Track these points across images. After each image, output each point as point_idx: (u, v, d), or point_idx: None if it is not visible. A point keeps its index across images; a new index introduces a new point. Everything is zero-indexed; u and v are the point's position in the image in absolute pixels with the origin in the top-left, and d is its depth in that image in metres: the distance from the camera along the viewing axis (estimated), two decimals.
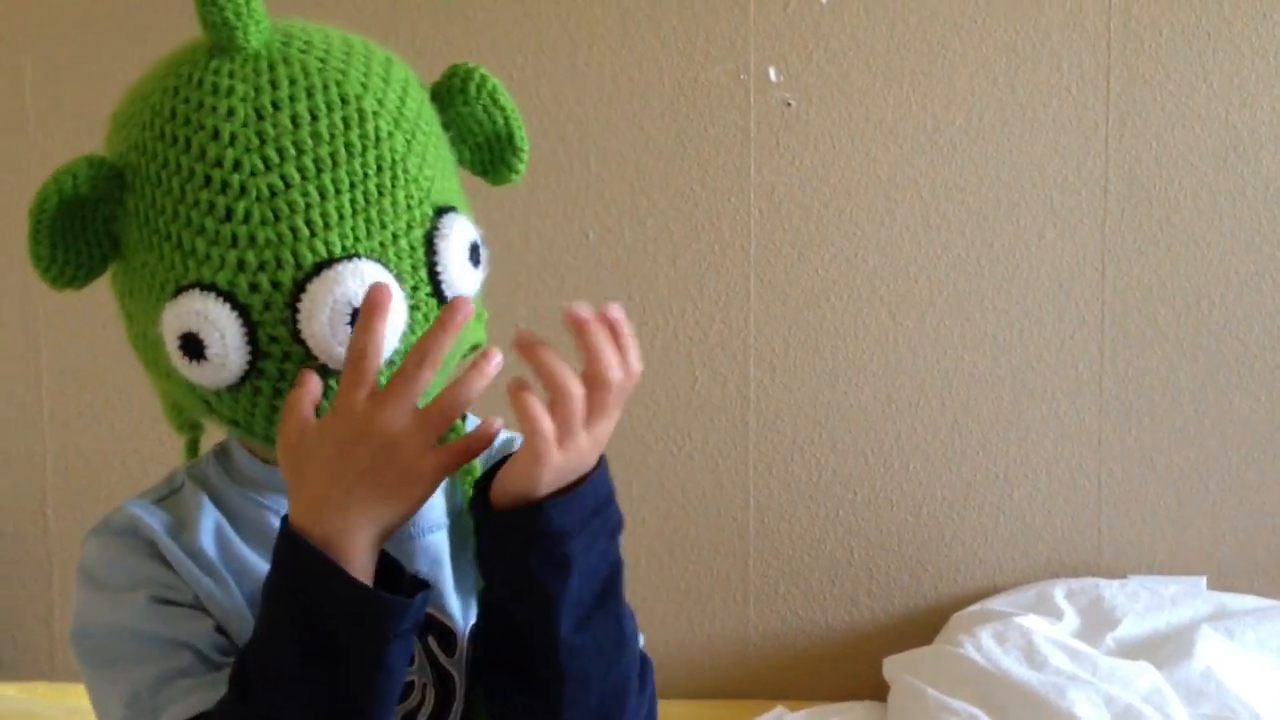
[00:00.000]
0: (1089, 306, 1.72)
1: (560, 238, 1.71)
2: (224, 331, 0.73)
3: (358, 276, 0.73)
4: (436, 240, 0.76)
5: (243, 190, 0.73)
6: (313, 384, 0.74)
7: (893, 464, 1.74)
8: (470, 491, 0.80)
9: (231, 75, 0.76)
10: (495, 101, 0.82)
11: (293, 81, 0.75)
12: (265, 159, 0.73)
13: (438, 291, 0.76)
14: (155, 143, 0.76)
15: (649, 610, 1.62)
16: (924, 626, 1.71)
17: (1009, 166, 1.70)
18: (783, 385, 1.73)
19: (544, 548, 0.73)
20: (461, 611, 0.84)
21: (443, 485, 0.80)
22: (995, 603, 1.66)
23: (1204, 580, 1.73)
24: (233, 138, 0.74)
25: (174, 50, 0.82)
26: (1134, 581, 1.69)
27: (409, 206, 0.76)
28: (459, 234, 0.77)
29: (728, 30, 1.69)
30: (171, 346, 0.75)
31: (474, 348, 0.83)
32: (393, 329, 0.73)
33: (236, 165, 0.73)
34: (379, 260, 0.74)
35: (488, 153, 0.85)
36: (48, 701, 1.52)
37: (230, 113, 0.74)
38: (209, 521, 0.82)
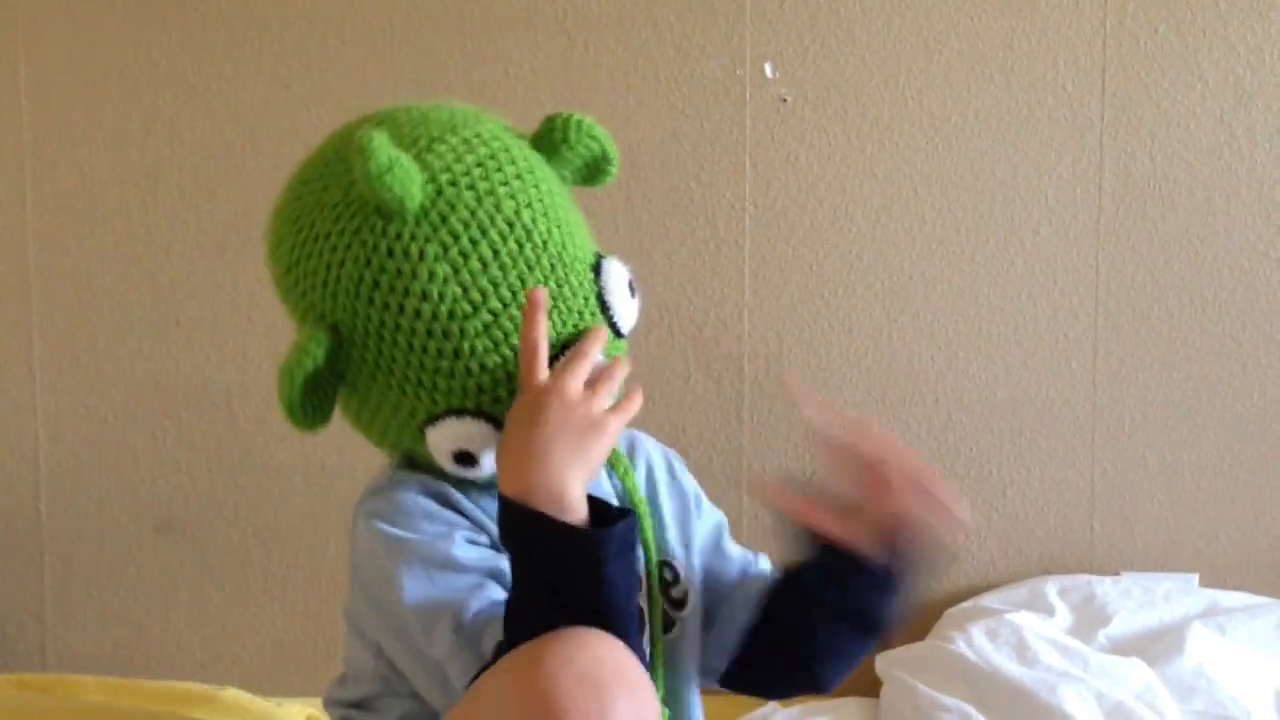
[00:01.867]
0: (1083, 303, 1.72)
1: None
2: (485, 440, 0.90)
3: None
4: (606, 296, 0.94)
5: (463, 333, 0.89)
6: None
7: None
8: (626, 477, 0.99)
9: (414, 239, 0.89)
10: (593, 137, 0.97)
11: (466, 226, 0.89)
12: (472, 303, 0.89)
13: (616, 332, 0.94)
14: (368, 309, 0.90)
15: None
16: (917, 623, 1.71)
17: (1004, 163, 1.70)
18: (777, 383, 1.73)
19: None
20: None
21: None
22: (988, 599, 1.67)
23: (1196, 577, 1.73)
24: (440, 295, 0.89)
25: (320, 189, 0.93)
26: (1126, 578, 1.69)
27: (579, 283, 0.92)
28: (617, 279, 0.95)
29: (723, 26, 1.69)
30: (445, 460, 0.92)
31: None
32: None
33: (451, 314, 0.89)
34: (575, 329, 0.91)
35: (586, 171, 1.00)
36: (40, 694, 1.52)
37: (431, 275, 0.88)
38: (466, 500, 0.95)
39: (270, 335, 1.74)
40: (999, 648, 1.50)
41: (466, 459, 0.91)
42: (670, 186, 1.71)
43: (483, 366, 0.89)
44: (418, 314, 0.89)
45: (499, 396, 0.90)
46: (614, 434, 0.89)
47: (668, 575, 1.04)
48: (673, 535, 1.07)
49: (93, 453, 1.77)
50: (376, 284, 0.89)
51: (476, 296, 0.89)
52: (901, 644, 1.62)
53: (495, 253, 0.90)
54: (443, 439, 0.91)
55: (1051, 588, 1.66)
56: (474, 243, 0.89)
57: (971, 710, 1.40)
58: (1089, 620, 1.60)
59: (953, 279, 1.72)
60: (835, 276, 1.72)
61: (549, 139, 0.96)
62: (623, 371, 0.92)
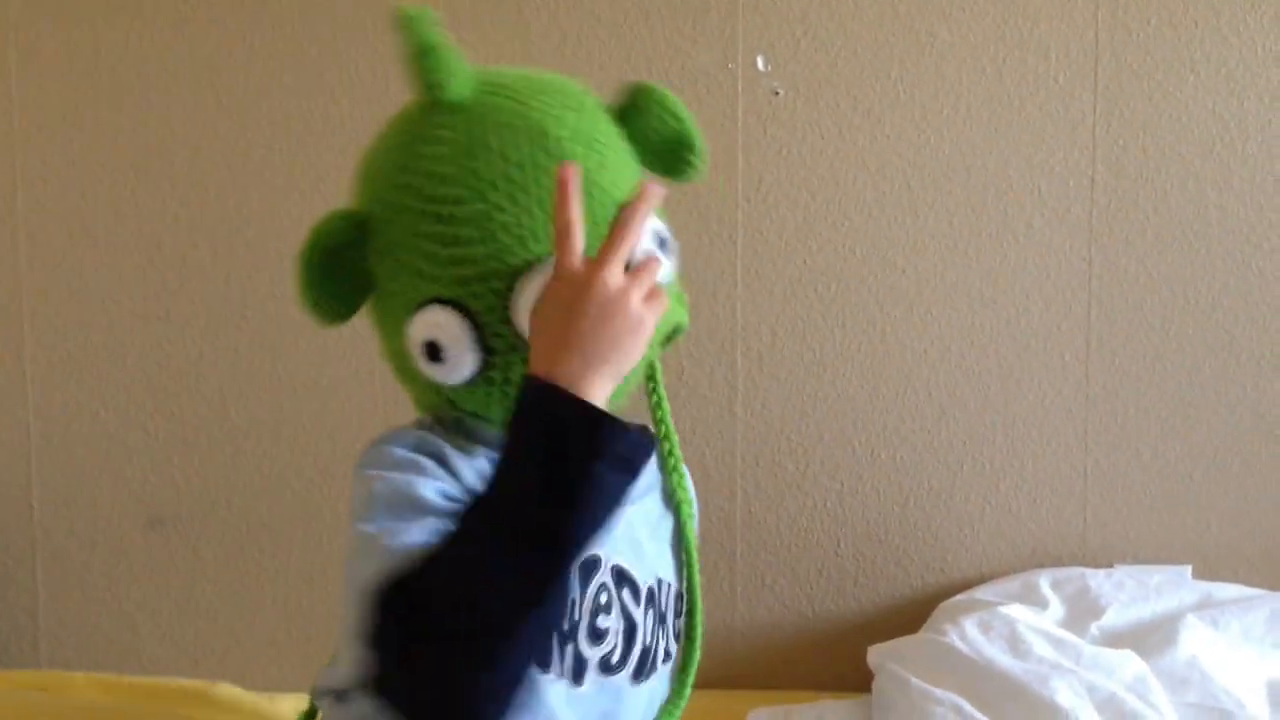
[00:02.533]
0: (1076, 296, 1.72)
1: None
2: (457, 335, 0.88)
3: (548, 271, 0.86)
4: None
5: (454, 219, 0.87)
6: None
7: (880, 454, 1.74)
8: (677, 480, 1.01)
9: (443, 125, 0.89)
10: (667, 108, 0.96)
11: (498, 125, 0.88)
12: (471, 189, 0.87)
13: None
14: (390, 192, 0.90)
15: None
16: (911, 616, 1.72)
17: (996, 156, 1.70)
18: (770, 376, 1.73)
19: None
20: (646, 570, 0.98)
21: (653, 464, 0.98)
22: (981, 592, 1.67)
23: (1189, 569, 1.73)
24: (444, 177, 0.88)
25: (404, 110, 0.95)
26: (1119, 571, 1.69)
27: (604, 216, 0.89)
28: (645, 228, 0.89)
29: (715, 19, 1.69)
30: (417, 353, 0.89)
31: (675, 329, 0.97)
32: None
33: (456, 200, 0.88)
34: None
35: (668, 155, 0.98)
36: (33, 691, 1.52)
37: (442, 157, 0.88)
38: (461, 459, 0.92)
39: (263, 330, 1.73)
40: (992, 640, 1.50)
41: (434, 352, 0.89)
42: (661, 180, 1.70)
43: (468, 258, 0.87)
44: (421, 192, 0.88)
45: (477, 292, 0.88)
46: (651, 331, 0.86)
47: (678, 606, 1.03)
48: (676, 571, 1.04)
49: (85, 449, 1.76)
50: (403, 166, 0.90)
51: (479, 185, 0.88)
52: (894, 637, 1.62)
53: (515, 149, 0.88)
54: (417, 328, 0.89)
55: (1044, 580, 1.66)
56: (499, 138, 0.88)
57: (964, 703, 1.40)
58: (1082, 612, 1.60)
59: (945, 272, 1.71)
60: (828, 269, 1.72)
61: (625, 104, 0.96)
62: (660, 264, 0.89)
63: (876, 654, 1.57)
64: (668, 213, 1.70)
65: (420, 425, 0.95)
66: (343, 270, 0.92)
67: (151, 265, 1.74)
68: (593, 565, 0.95)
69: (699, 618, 1.02)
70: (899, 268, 1.71)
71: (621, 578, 0.97)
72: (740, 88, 1.70)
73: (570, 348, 0.84)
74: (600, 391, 0.84)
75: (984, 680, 1.43)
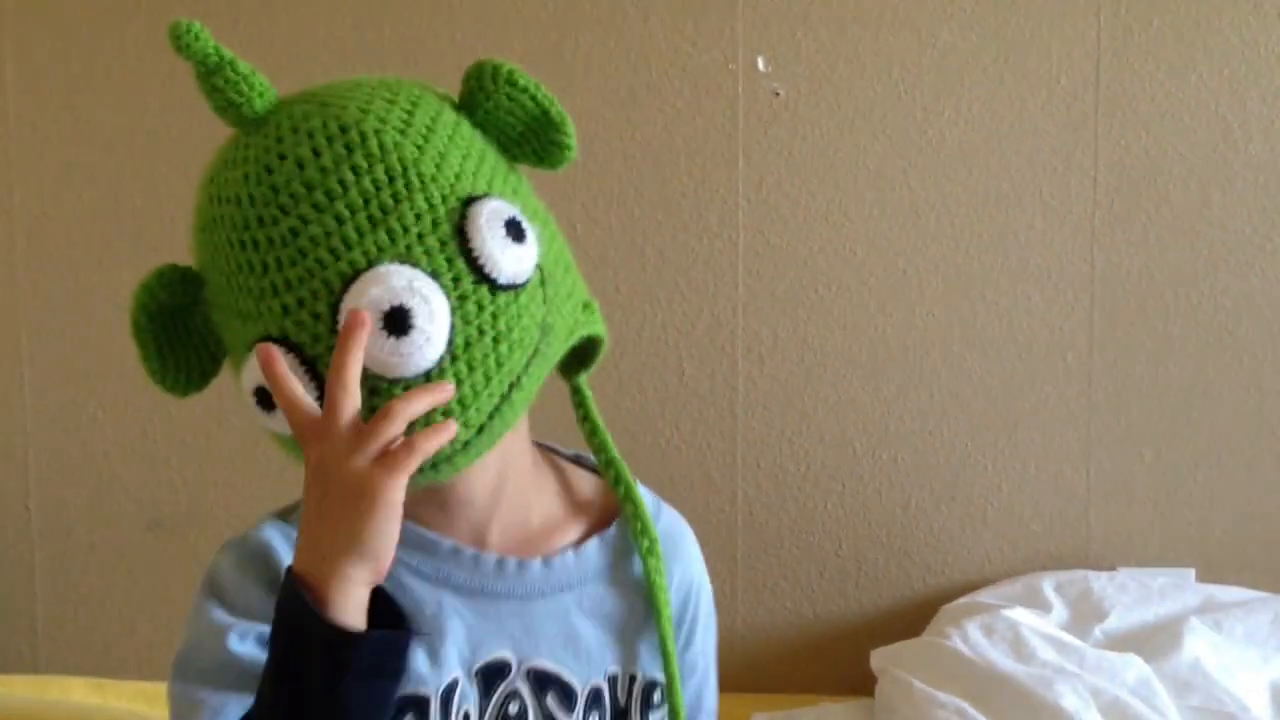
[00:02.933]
0: (1078, 297, 1.71)
1: None
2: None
3: (378, 281, 0.75)
4: (466, 229, 0.77)
5: (270, 242, 0.76)
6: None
7: (881, 456, 1.73)
8: (647, 553, 0.88)
9: (247, 146, 0.79)
10: (514, 84, 0.81)
11: (295, 130, 0.77)
12: (281, 206, 0.76)
13: (484, 278, 0.77)
14: (203, 234, 0.80)
15: None
16: (912, 619, 1.71)
17: (998, 157, 1.69)
18: (771, 377, 1.72)
19: None
20: (587, 669, 0.87)
21: (592, 551, 0.88)
22: (984, 595, 1.66)
23: (1192, 572, 1.72)
24: (251, 199, 0.77)
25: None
26: (1122, 573, 1.68)
27: (430, 206, 0.77)
28: (488, 216, 0.78)
29: (716, 19, 1.68)
30: (251, 405, 0.78)
31: (591, 341, 0.88)
32: (435, 324, 0.75)
33: (260, 221, 0.76)
34: (404, 262, 0.75)
35: (534, 140, 0.84)
36: (30, 695, 1.51)
37: (245, 178, 0.77)
38: None
39: None
40: (995, 644, 1.49)
41: (265, 399, 0.76)
42: (663, 181, 1.70)
43: (287, 283, 0.75)
44: (232, 223, 0.77)
45: (301, 320, 0.75)
46: (386, 495, 0.71)
47: (655, 697, 0.91)
48: (683, 668, 0.93)
49: (82, 451, 1.76)
50: (210, 199, 0.79)
51: (287, 200, 0.76)
52: (896, 639, 1.61)
53: (316, 154, 0.76)
54: (247, 375, 0.77)
55: (1047, 583, 1.65)
56: (296, 145, 0.77)
57: (967, 707, 1.39)
58: (1085, 616, 1.60)
59: (947, 272, 1.71)
60: (829, 270, 1.71)
61: (464, 91, 0.82)
62: (408, 406, 0.73)
63: (879, 657, 1.57)
64: (667, 211, 1.70)
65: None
66: (188, 332, 0.82)
67: (149, 266, 1.73)
68: (497, 672, 0.86)
69: (682, 715, 0.89)
70: (900, 269, 1.71)
71: (544, 682, 0.86)
72: (741, 88, 1.69)
73: (309, 540, 0.73)
74: (346, 586, 0.72)
75: (987, 684, 1.42)
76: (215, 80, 0.79)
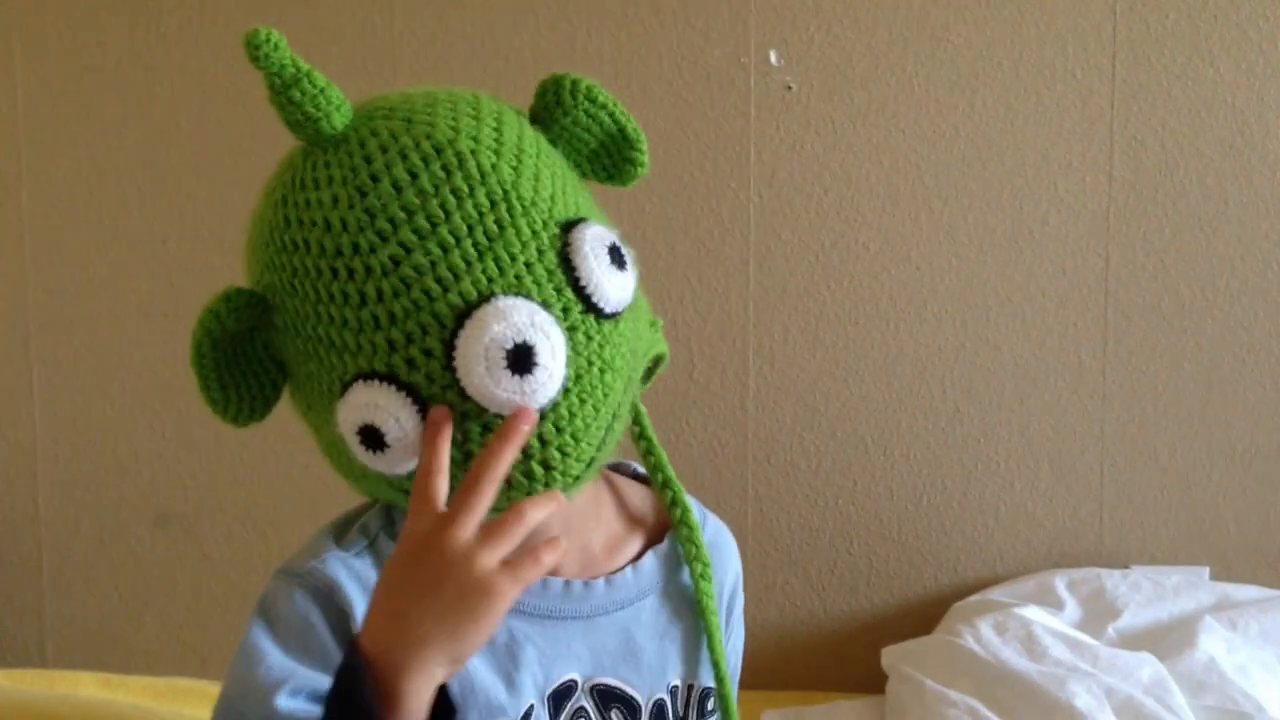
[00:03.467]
0: (1092, 294, 1.70)
1: None
2: (398, 415, 0.72)
3: (499, 316, 0.72)
4: (572, 257, 0.75)
5: (368, 271, 0.72)
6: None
7: (893, 453, 1.72)
8: (700, 577, 0.86)
9: (328, 165, 0.75)
10: (594, 100, 0.80)
11: (384, 150, 0.74)
12: (380, 233, 0.72)
13: (591, 307, 0.75)
14: (279, 255, 0.75)
15: None
16: (924, 617, 1.70)
17: (1012, 152, 1.68)
18: (782, 373, 1.71)
19: None
20: (650, 682, 0.87)
21: (648, 565, 0.87)
22: (996, 593, 1.65)
23: (1207, 570, 1.71)
24: (344, 223, 0.73)
25: (278, 165, 0.81)
26: (1136, 572, 1.67)
27: (534, 232, 0.74)
28: (593, 243, 0.76)
29: (728, 13, 1.67)
30: (353, 444, 0.74)
31: (658, 359, 0.86)
32: (556, 359, 0.73)
33: (355, 248, 0.72)
34: (517, 293, 0.73)
35: (606, 156, 0.84)
36: (38, 690, 1.50)
37: (335, 200, 0.73)
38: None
39: None
40: (1007, 642, 1.48)
41: (373, 438, 0.73)
42: (674, 175, 1.69)
43: (391, 316, 0.72)
44: (321, 249, 0.73)
45: (412, 358, 0.72)
46: (504, 601, 0.69)
47: (709, 705, 0.92)
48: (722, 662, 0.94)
49: (91, 447, 1.75)
50: (287, 221, 0.75)
51: (385, 225, 0.72)
52: (907, 637, 1.60)
53: (413, 176, 0.73)
54: (349, 413, 0.73)
55: (1060, 581, 1.64)
56: (389, 166, 0.73)
57: (979, 705, 1.38)
58: (1098, 614, 1.59)
59: (960, 269, 1.69)
60: (841, 266, 1.70)
61: (540, 103, 0.80)
62: (538, 513, 0.71)
63: (890, 655, 1.56)
64: (679, 206, 1.69)
65: (381, 520, 0.84)
66: (248, 358, 0.78)
67: (158, 261, 1.73)
68: (565, 693, 0.85)
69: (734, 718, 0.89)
70: (913, 264, 1.70)
71: (608, 698, 0.86)
72: (753, 83, 1.68)
73: (395, 620, 0.69)
74: (422, 680, 0.69)
75: (1000, 682, 1.41)
76: (292, 93, 0.75)
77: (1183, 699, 1.40)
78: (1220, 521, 1.72)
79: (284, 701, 0.76)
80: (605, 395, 0.76)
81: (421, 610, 0.69)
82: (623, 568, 0.88)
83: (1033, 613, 1.54)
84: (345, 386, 0.73)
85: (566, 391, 0.74)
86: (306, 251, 0.74)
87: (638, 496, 0.93)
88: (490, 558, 0.69)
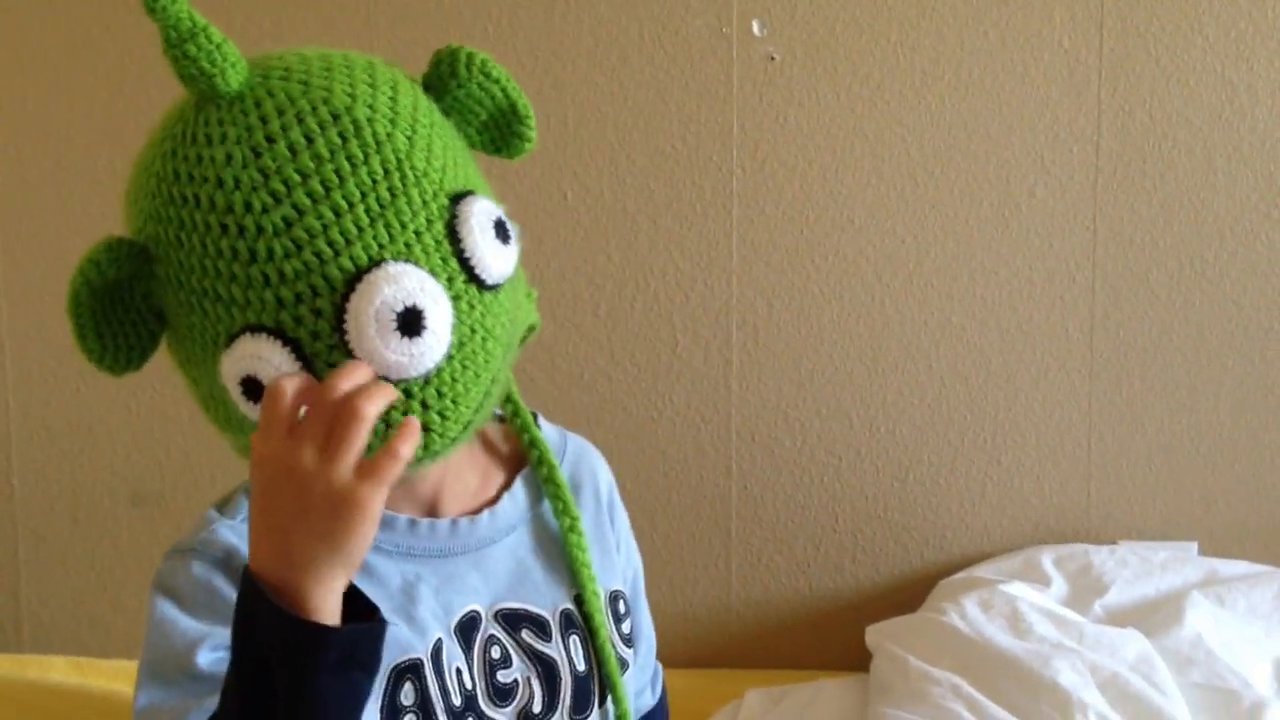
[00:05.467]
0: (1079, 266, 1.68)
1: (537, 198, 1.66)
2: (279, 367, 0.74)
3: (390, 280, 0.74)
4: (459, 229, 0.78)
5: (259, 230, 0.74)
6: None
7: (878, 429, 1.70)
8: (555, 495, 0.92)
9: (221, 122, 0.76)
10: (488, 75, 0.83)
11: (281, 111, 0.75)
12: (273, 193, 0.74)
13: (474, 278, 0.78)
14: (166, 208, 0.76)
15: None
16: (910, 594, 1.69)
17: (998, 122, 1.66)
18: (766, 348, 1.69)
19: None
20: (550, 597, 0.92)
21: (519, 492, 0.93)
22: (982, 569, 1.64)
23: (1195, 546, 1.70)
24: (236, 181, 0.74)
25: (163, 115, 0.83)
26: (1124, 548, 1.66)
27: (424, 202, 0.77)
28: (480, 216, 0.79)
29: None
30: (235, 394, 0.76)
31: (530, 329, 0.88)
32: (443, 325, 0.75)
33: (247, 206, 0.74)
34: (406, 260, 0.75)
35: (495, 129, 0.86)
36: (11, 674, 1.49)
37: (229, 158, 0.75)
38: None
39: None
40: (992, 619, 1.47)
41: (254, 389, 0.75)
42: (655, 148, 1.66)
43: (281, 275, 0.74)
44: (212, 204, 0.74)
45: (300, 316, 0.74)
46: (373, 504, 0.71)
47: (621, 608, 0.98)
48: (621, 563, 1.00)
49: (65, 424, 1.73)
50: (176, 175, 0.76)
51: (279, 186, 0.74)
52: (892, 615, 1.59)
53: (309, 140, 0.75)
54: (232, 364, 0.75)
55: (1047, 557, 1.63)
56: (285, 129, 0.75)
57: (963, 683, 1.37)
58: (1085, 590, 1.58)
59: (946, 242, 1.67)
60: (825, 240, 1.68)
61: (434, 74, 0.82)
62: (371, 407, 0.71)
63: (874, 633, 1.55)
64: (660, 179, 1.67)
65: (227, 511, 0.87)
66: (127, 310, 0.79)
67: None
68: (471, 625, 0.89)
69: (603, 637, 0.93)
70: (898, 237, 1.68)
71: (515, 620, 0.90)
72: (735, 53, 1.65)
73: (279, 547, 0.71)
74: (324, 593, 0.71)
75: (983, 660, 1.40)
76: (188, 47, 0.76)
77: (1169, 675, 1.39)
78: (1208, 497, 1.71)
79: (204, 656, 0.80)
80: (486, 362, 0.79)
81: (300, 534, 0.71)
82: (498, 496, 0.93)
83: (1019, 589, 1.53)
84: (231, 338, 0.75)
85: (450, 358, 0.77)
86: (196, 206, 0.75)
87: (496, 431, 0.98)
88: (342, 468, 0.70)
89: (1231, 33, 1.64)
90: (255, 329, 0.74)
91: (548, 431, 0.98)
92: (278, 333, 0.74)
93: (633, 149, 1.67)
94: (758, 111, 1.66)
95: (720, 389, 1.70)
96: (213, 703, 0.76)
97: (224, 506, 0.88)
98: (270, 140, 0.75)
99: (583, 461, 1.00)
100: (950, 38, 1.64)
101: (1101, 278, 1.68)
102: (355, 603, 0.74)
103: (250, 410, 0.76)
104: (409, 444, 0.72)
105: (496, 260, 0.79)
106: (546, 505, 0.95)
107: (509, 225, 0.81)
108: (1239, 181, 1.66)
